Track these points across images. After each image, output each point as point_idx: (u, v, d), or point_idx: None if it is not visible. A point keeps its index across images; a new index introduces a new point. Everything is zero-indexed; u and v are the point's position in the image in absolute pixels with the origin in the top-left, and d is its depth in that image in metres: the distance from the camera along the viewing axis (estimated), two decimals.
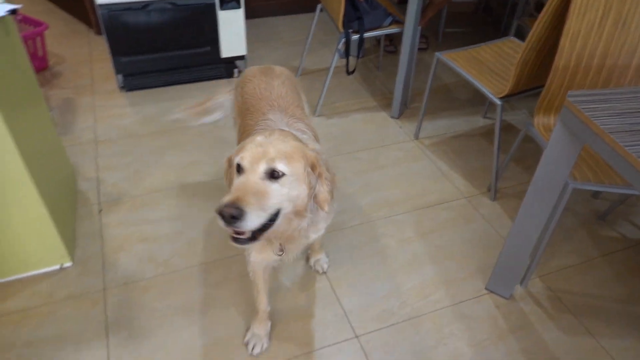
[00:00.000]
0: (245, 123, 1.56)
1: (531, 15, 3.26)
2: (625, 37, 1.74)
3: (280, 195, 1.08)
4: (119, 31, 2.71)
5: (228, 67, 3.11)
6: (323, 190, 1.17)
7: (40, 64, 3.08)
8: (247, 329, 1.64)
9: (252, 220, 1.02)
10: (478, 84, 2.18)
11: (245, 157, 1.09)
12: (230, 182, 1.21)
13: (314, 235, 1.39)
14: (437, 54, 2.37)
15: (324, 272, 1.87)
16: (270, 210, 1.07)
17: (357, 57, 3.40)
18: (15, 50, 1.76)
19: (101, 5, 2.60)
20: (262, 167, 1.07)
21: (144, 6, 2.68)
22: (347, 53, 2.68)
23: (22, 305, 1.71)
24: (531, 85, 2.11)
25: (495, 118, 2.14)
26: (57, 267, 1.85)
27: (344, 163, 2.47)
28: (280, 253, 1.34)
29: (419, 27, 2.56)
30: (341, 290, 1.82)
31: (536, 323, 1.73)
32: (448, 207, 2.22)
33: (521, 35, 2.48)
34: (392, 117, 2.85)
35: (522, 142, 2.09)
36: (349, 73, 2.83)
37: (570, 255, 2.01)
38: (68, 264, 1.86)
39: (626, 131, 1.21)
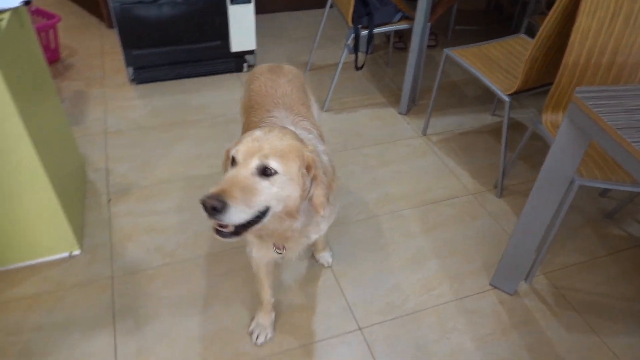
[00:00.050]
0: (250, 120, 1.56)
1: (542, 13, 3.24)
2: (636, 35, 1.73)
3: (269, 193, 1.06)
4: (130, 24, 2.74)
5: (238, 62, 3.13)
6: (318, 193, 1.13)
7: (53, 56, 3.12)
8: (252, 319, 1.66)
9: (234, 215, 1.00)
10: (486, 80, 2.17)
11: (239, 151, 1.07)
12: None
13: (315, 235, 1.38)
14: (446, 50, 2.37)
15: (329, 266, 1.88)
16: (257, 207, 1.05)
17: (366, 53, 3.41)
18: (29, 42, 1.79)
19: None
20: (255, 163, 1.05)
21: (155, 0, 2.71)
22: (356, 49, 2.68)
23: (32, 291, 1.74)
24: (540, 82, 2.10)
25: (504, 116, 2.14)
26: (66, 254, 1.88)
27: (351, 158, 2.48)
28: (280, 252, 1.32)
29: (429, 24, 2.56)
30: (345, 283, 1.83)
31: (540, 319, 1.73)
32: (454, 204, 2.23)
33: (532, 33, 2.47)
34: (400, 113, 2.85)
35: (530, 140, 2.09)
36: (357, 69, 2.83)
37: (576, 253, 2.00)
38: (77, 252, 1.89)
39: (634, 127, 1.21)
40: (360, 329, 1.68)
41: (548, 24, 1.79)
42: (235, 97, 2.90)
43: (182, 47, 2.94)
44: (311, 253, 1.93)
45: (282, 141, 1.09)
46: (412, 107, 2.90)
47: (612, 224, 2.15)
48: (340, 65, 2.72)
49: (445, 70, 3.25)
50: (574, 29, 1.70)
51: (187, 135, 2.57)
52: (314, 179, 1.12)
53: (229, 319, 1.69)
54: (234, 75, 3.13)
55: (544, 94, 1.88)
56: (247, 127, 1.54)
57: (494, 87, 2.13)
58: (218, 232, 1.06)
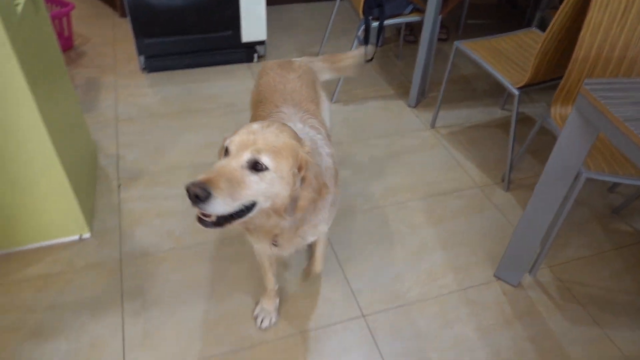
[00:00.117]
0: (257, 114, 1.55)
1: (555, 7, 3.21)
2: None
3: (257, 188, 1.03)
4: (143, 13, 2.77)
5: (248, 52, 3.15)
6: (304, 196, 1.10)
7: (66, 44, 3.16)
8: (257, 304, 1.69)
9: (217, 206, 0.97)
10: (496, 73, 2.17)
11: (233, 142, 1.05)
12: None
13: (311, 237, 1.37)
14: (457, 42, 2.37)
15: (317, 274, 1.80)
16: (242, 201, 1.02)
17: (376, 45, 3.40)
18: (44, 28, 1.82)
19: None
20: (246, 156, 1.02)
21: None
22: (366, 40, 2.68)
23: (43, 271, 1.78)
24: (550, 76, 2.09)
25: (513, 109, 2.13)
26: (76, 237, 1.91)
27: (359, 149, 2.49)
28: (275, 244, 1.30)
29: (440, 17, 2.55)
30: (350, 271, 1.85)
31: (543, 311, 1.74)
32: (461, 196, 2.23)
33: (544, 27, 2.45)
34: (409, 105, 2.85)
35: (539, 135, 2.08)
36: (367, 60, 2.83)
37: (582, 247, 2.00)
38: (87, 235, 1.92)
39: None
40: (363, 316, 1.70)
41: (559, 17, 1.78)
42: (245, 87, 2.92)
43: (194, 36, 2.97)
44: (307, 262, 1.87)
45: (278, 138, 1.07)
46: (422, 100, 2.90)
47: (619, 220, 2.14)
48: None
49: (455, 63, 3.26)
50: (585, 22, 1.69)
51: (197, 123, 2.59)
52: (303, 180, 1.09)
53: (234, 303, 1.71)
54: (244, 65, 3.15)
55: (554, 88, 1.88)
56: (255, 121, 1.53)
57: (504, 80, 2.13)
58: (200, 220, 1.05)
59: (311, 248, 1.70)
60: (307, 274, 1.82)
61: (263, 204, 1.07)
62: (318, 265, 1.70)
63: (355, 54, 2.09)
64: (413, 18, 2.68)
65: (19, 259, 1.81)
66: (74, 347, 1.55)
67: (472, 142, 2.57)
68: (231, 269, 1.83)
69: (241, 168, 1.02)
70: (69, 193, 1.78)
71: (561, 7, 1.75)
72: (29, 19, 1.62)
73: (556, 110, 1.88)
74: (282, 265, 1.86)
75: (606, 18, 1.70)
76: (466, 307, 1.75)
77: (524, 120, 2.75)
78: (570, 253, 1.98)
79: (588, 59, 1.77)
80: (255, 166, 1.02)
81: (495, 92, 3.00)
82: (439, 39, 3.42)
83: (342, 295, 1.77)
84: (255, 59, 3.18)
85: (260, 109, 1.55)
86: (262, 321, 1.65)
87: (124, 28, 3.46)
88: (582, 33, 1.70)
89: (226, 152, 1.06)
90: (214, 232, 1.97)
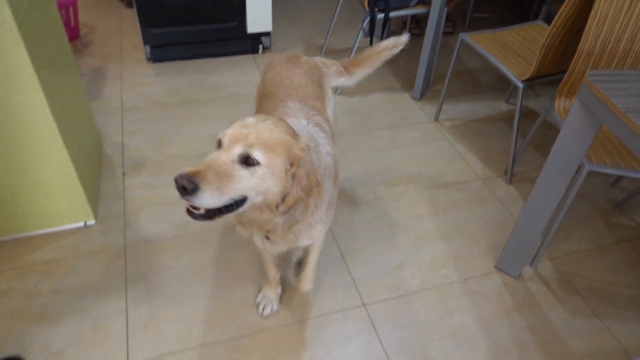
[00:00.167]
0: (262, 108, 1.54)
1: (562, 0, 3.20)
2: None
3: (247, 183, 1.01)
4: (149, 3, 2.77)
5: (253, 43, 3.15)
6: (293, 192, 1.07)
7: (72, 33, 3.17)
8: (259, 291, 1.70)
9: (205, 199, 0.96)
10: (500, 65, 2.17)
11: (226, 135, 1.04)
12: None
13: (306, 240, 1.35)
14: (462, 34, 2.36)
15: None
16: (232, 195, 1.00)
17: (381, 37, 3.39)
18: (51, 16, 1.83)
19: None
20: (238, 150, 1.00)
21: None
22: (371, 32, 2.68)
23: (48, 257, 1.80)
24: (555, 69, 2.09)
25: (517, 103, 2.13)
26: (81, 224, 1.93)
27: (362, 140, 2.50)
28: (267, 237, 1.29)
29: (445, 10, 2.55)
30: (351, 260, 1.87)
31: (543, 303, 1.75)
32: (463, 188, 2.24)
33: (550, 20, 2.42)
34: (413, 98, 2.85)
35: (544, 129, 2.09)
36: None
37: (584, 240, 2.01)
38: (92, 221, 1.94)
39: None
40: (364, 305, 1.72)
41: (565, 9, 1.78)
42: (250, 78, 2.93)
43: (199, 26, 2.97)
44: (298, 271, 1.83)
45: (272, 133, 1.04)
46: (426, 93, 2.90)
47: (621, 214, 2.15)
48: (354, 49, 2.73)
49: (461, 57, 3.25)
50: (591, 14, 1.68)
51: (202, 113, 2.60)
52: (293, 177, 1.07)
53: (237, 291, 1.73)
54: (250, 56, 3.16)
55: (559, 83, 1.87)
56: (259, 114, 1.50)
57: (508, 73, 2.13)
58: (189, 212, 1.03)
59: (303, 259, 1.66)
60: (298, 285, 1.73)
61: (254, 199, 1.05)
62: (307, 281, 1.64)
63: (385, 46, 1.94)
64: (419, 10, 2.68)
65: (25, 245, 1.84)
66: (78, 330, 1.57)
67: (475, 135, 2.58)
68: (234, 257, 1.85)
69: (231, 162, 1.00)
70: (74, 180, 1.80)
71: None
72: (37, 7, 1.63)
73: (560, 103, 1.88)
74: (284, 256, 1.87)
75: (612, 10, 1.69)
76: (466, 297, 1.76)
77: (529, 114, 2.75)
78: (571, 246, 1.98)
79: (593, 52, 1.76)
80: (247, 161, 1.00)
81: (500, 86, 2.99)
82: (445, 32, 3.42)
83: (343, 284, 1.78)
84: (261, 50, 3.18)
85: (265, 102, 1.54)
86: (264, 309, 1.66)
87: (130, 18, 3.47)
88: (587, 25, 1.69)
89: (219, 144, 1.05)
90: (217, 221, 1.98)
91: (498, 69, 2.18)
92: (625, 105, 1.22)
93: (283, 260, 1.84)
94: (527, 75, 2.03)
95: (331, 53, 3.25)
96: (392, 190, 2.20)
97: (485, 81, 3.07)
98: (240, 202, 1.04)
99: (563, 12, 1.78)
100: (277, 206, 1.09)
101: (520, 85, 2.07)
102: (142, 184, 2.14)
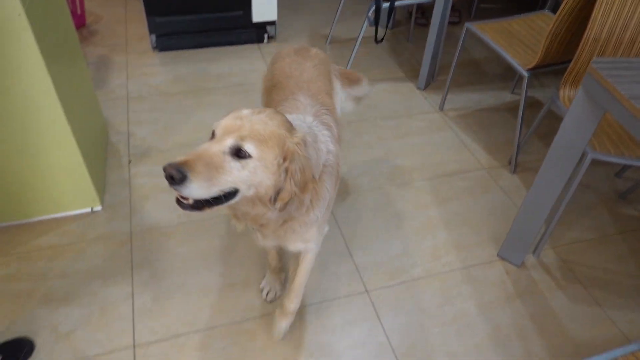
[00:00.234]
0: (271, 99, 1.52)
1: None
2: None
3: (238, 175, 1.00)
4: None
5: (259, 32, 3.15)
6: (287, 187, 1.06)
7: (79, 22, 3.18)
8: (263, 277, 1.72)
9: (192, 189, 0.94)
10: (506, 54, 2.16)
11: (220, 125, 1.03)
12: None
13: (299, 244, 1.33)
14: (467, 24, 2.36)
15: (279, 336, 1.57)
16: (222, 187, 0.99)
17: (387, 27, 3.39)
18: (58, 4, 1.84)
19: None
20: (230, 142, 0.99)
21: None
22: (376, 21, 2.68)
23: (56, 242, 1.83)
24: (560, 59, 2.08)
25: (522, 92, 2.13)
26: (88, 210, 1.96)
27: (367, 129, 2.50)
28: (259, 230, 1.27)
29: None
30: (355, 247, 1.88)
31: (545, 290, 1.76)
32: (467, 177, 2.24)
33: (556, 10, 2.43)
34: (418, 88, 2.85)
35: (549, 119, 2.08)
36: (377, 42, 2.83)
37: (587, 230, 2.01)
38: (98, 207, 1.97)
39: None
40: (367, 291, 1.73)
41: None
42: (255, 67, 2.93)
43: (204, 15, 2.98)
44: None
45: (266, 126, 1.02)
46: (431, 83, 2.90)
47: (625, 204, 2.15)
48: (359, 38, 2.73)
49: (467, 47, 3.24)
50: (597, 2, 1.68)
51: (207, 102, 2.62)
52: (286, 171, 1.05)
53: (241, 276, 1.75)
54: (255, 45, 3.16)
55: (565, 73, 1.87)
56: (269, 105, 1.51)
57: (513, 61, 2.12)
58: (178, 202, 1.02)
59: (292, 278, 1.55)
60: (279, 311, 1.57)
61: (246, 192, 1.04)
62: (293, 299, 1.51)
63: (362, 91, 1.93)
64: None
65: (32, 230, 1.86)
66: (86, 313, 1.60)
67: (480, 125, 2.57)
68: (238, 243, 1.87)
69: (223, 153, 0.98)
70: (81, 166, 1.82)
71: None
72: None
73: (565, 92, 1.88)
74: None
75: None
76: (468, 284, 1.77)
77: (534, 105, 2.74)
78: (574, 235, 1.99)
79: (599, 41, 1.75)
80: (238, 153, 0.99)
81: (505, 76, 2.98)
82: (451, 22, 3.40)
83: (346, 270, 1.80)
84: (266, 40, 3.18)
85: (274, 93, 1.52)
86: (267, 294, 1.68)
87: (136, 7, 3.48)
88: (593, 13, 1.69)
89: (213, 135, 1.04)
90: (207, 212, 1.99)
91: (503, 58, 2.17)
92: (630, 92, 1.22)
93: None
94: (533, 64, 2.03)
95: (336, 42, 3.25)
96: (396, 179, 2.21)
97: (490, 71, 3.06)
98: (231, 194, 1.02)
99: (569, 1, 1.77)
100: (270, 200, 1.07)
101: (526, 74, 2.07)
102: (147, 172, 2.16)
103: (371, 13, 2.65)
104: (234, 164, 0.99)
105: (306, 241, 1.35)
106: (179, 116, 2.51)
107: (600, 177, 2.27)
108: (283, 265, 1.72)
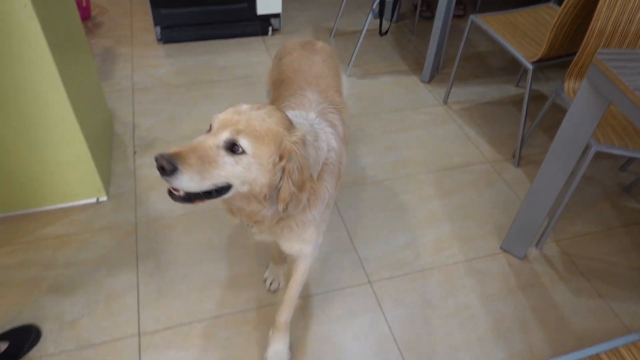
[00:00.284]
0: (280, 93, 1.50)
1: None
2: None
3: (232, 171, 0.98)
4: None
5: (263, 25, 3.15)
6: (284, 187, 1.04)
7: (84, 14, 3.19)
8: (267, 268, 1.73)
9: (183, 181, 0.93)
10: (510, 47, 2.16)
11: (217, 119, 1.02)
12: None
13: (294, 245, 1.31)
14: (472, 16, 2.35)
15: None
16: (214, 181, 0.98)
17: (391, 20, 3.38)
18: None
19: None
20: (225, 136, 0.97)
21: None
22: (381, 13, 2.68)
23: (62, 231, 1.85)
24: (565, 51, 2.08)
25: (527, 85, 2.13)
26: (93, 200, 1.97)
27: (370, 122, 2.50)
28: (254, 226, 1.25)
29: None
30: (358, 239, 1.89)
31: (547, 283, 1.76)
32: (471, 171, 2.24)
33: (562, 3, 2.42)
34: (422, 81, 2.85)
35: (553, 113, 2.08)
36: (381, 34, 2.83)
37: (590, 223, 2.01)
38: (103, 198, 1.98)
39: None
40: (370, 282, 1.74)
41: None
42: (259, 59, 2.93)
43: (209, 8, 2.98)
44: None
45: (264, 122, 1.01)
46: (435, 76, 2.89)
47: (630, 198, 2.14)
48: (364, 30, 2.72)
49: (472, 40, 3.23)
50: None
51: (211, 94, 2.63)
52: (283, 170, 1.03)
53: (245, 267, 1.77)
54: (259, 38, 3.16)
55: (569, 66, 1.86)
56: (277, 100, 1.50)
57: (517, 54, 2.12)
58: (170, 193, 1.01)
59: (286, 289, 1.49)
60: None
61: (239, 187, 1.02)
62: (283, 310, 1.47)
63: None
64: None
65: (38, 219, 1.88)
66: (91, 301, 1.62)
67: (484, 118, 2.57)
68: (242, 234, 1.88)
69: (217, 147, 0.97)
70: (87, 157, 1.84)
71: None
72: None
73: (570, 85, 1.87)
74: None
75: None
76: (471, 277, 1.78)
77: (538, 98, 2.73)
78: (578, 228, 1.99)
79: (604, 33, 1.75)
80: (233, 148, 0.97)
81: (510, 69, 2.98)
82: (456, 15, 3.39)
83: (349, 262, 1.81)
84: (270, 32, 3.18)
85: (282, 88, 1.50)
86: (271, 284, 1.70)
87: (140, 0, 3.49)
88: (599, 5, 1.68)
89: (210, 128, 1.03)
90: (200, 205, 2.00)
91: (508, 51, 2.17)
92: (635, 83, 1.22)
93: None
94: (537, 57, 2.02)
95: (341, 35, 3.24)
96: (400, 172, 2.21)
97: (495, 64, 3.05)
98: (224, 189, 1.01)
99: None
100: (265, 198, 1.06)
101: (530, 67, 2.06)
102: (152, 164, 2.14)
103: (376, 5, 2.64)
104: (227, 159, 0.97)
105: (303, 241, 1.31)
106: (184, 108, 2.52)
107: (605, 170, 2.27)
108: (286, 257, 1.73)
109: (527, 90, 2.13)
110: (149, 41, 3.06)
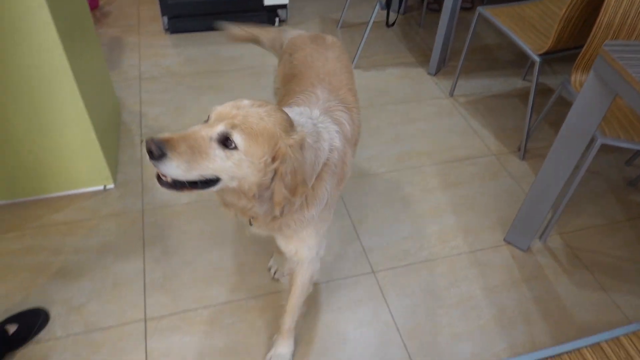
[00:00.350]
0: (290, 88, 1.46)
1: None
2: None
3: (221, 164, 0.97)
4: None
5: (270, 16, 3.15)
6: (277, 190, 1.03)
7: (92, 3, 3.20)
8: (271, 256, 1.75)
9: (170, 168, 0.93)
10: (517, 39, 2.15)
11: (215, 111, 1.01)
12: None
13: (293, 244, 1.29)
14: (479, 8, 2.34)
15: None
16: (202, 172, 0.96)
17: (398, 11, 3.37)
18: None
19: None
20: (219, 129, 0.96)
21: None
22: (388, 4, 2.67)
23: (70, 217, 1.87)
24: (573, 44, 2.07)
25: (534, 77, 2.12)
26: (101, 187, 2.00)
27: (376, 114, 2.51)
28: (250, 222, 1.25)
29: None
30: (362, 229, 1.90)
31: (550, 275, 1.77)
32: (476, 163, 2.25)
33: None
34: (429, 73, 2.84)
35: (559, 106, 2.08)
36: (388, 26, 2.83)
37: (595, 216, 2.02)
38: (111, 185, 2.00)
39: None
40: (373, 272, 1.76)
41: None
42: (266, 50, 2.93)
43: None
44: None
45: (261, 121, 0.99)
46: (442, 68, 2.89)
47: (635, 191, 2.14)
48: (371, 21, 2.72)
49: (479, 33, 3.22)
50: None
51: (218, 84, 2.64)
52: (275, 172, 1.02)
53: (249, 255, 1.78)
54: None
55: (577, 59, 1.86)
56: (286, 93, 1.46)
57: (524, 46, 2.11)
58: (158, 177, 1.00)
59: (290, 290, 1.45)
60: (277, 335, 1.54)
61: (228, 182, 1.01)
62: (286, 319, 1.47)
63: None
64: None
65: (46, 205, 1.91)
66: (98, 287, 1.64)
67: (490, 111, 2.57)
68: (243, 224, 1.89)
69: (210, 139, 0.96)
70: (95, 144, 1.86)
71: None
72: None
73: (576, 77, 1.87)
74: None
75: None
76: (474, 268, 1.79)
77: (545, 92, 2.72)
78: (582, 221, 1.99)
79: (612, 25, 1.74)
80: (225, 142, 0.96)
81: (517, 62, 2.96)
82: (463, 8, 3.37)
83: (353, 252, 1.82)
84: (277, 23, 3.18)
85: (294, 83, 1.46)
86: (275, 272, 1.71)
87: None
88: None
89: (208, 119, 1.02)
90: (187, 193, 2.01)
91: (515, 43, 2.16)
92: None
93: None
94: (545, 49, 2.02)
95: (347, 27, 3.24)
96: (405, 163, 2.22)
97: (502, 57, 3.04)
98: (211, 181, 1.00)
99: None
100: (254, 196, 1.05)
101: (537, 59, 2.06)
102: None
103: None
104: (218, 152, 0.96)
105: (301, 241, 1.29)
106: (191, 97, 2.53)
107: (610, 164, 2.26)
108: None
109: (534, 83, 2.13)
110: (156, 31, 3.07)
